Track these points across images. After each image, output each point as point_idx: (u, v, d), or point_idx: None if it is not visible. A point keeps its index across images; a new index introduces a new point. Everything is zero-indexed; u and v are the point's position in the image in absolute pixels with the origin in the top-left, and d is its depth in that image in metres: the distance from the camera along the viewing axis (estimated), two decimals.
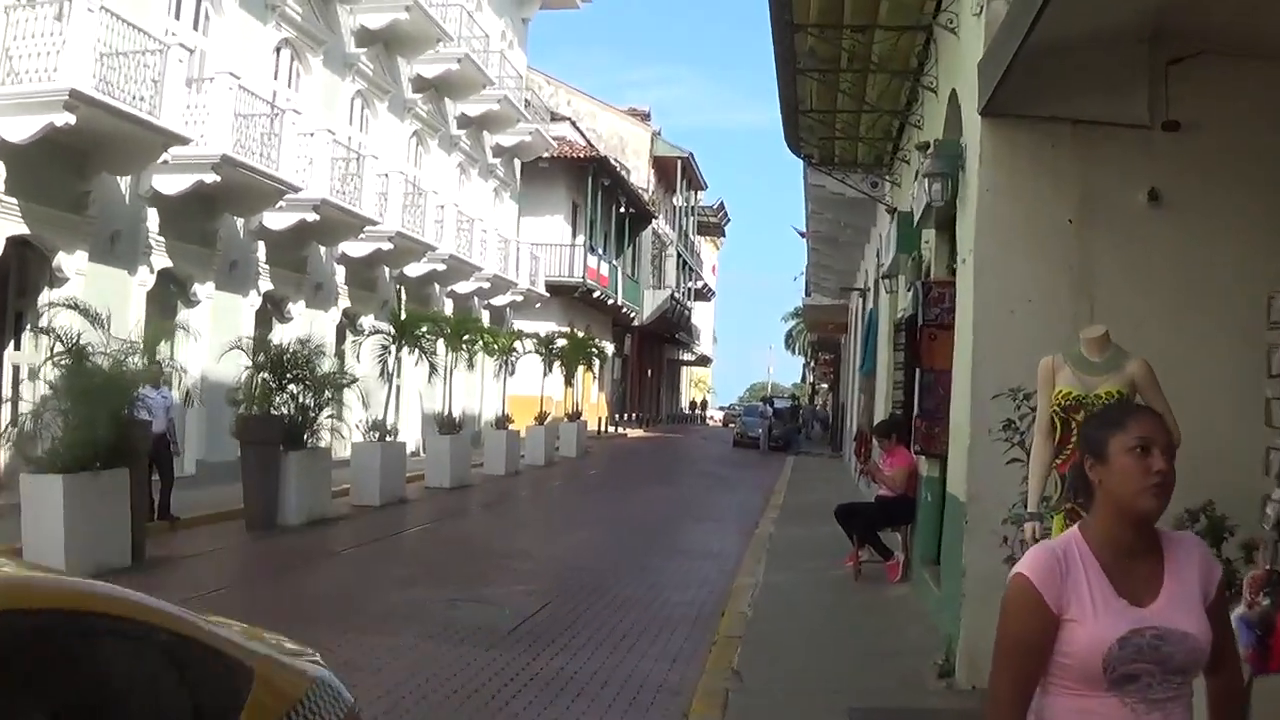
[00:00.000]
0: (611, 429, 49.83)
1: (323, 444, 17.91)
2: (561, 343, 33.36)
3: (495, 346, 28.17)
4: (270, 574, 13.17)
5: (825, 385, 62.68)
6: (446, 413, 24.71)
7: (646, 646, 9.79)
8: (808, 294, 39.70)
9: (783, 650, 9.19)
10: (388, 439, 20.71)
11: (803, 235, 37.90)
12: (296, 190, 21.55)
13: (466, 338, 25.54)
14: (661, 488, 25.84)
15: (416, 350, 22.45)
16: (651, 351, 66.43)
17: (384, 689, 7.89)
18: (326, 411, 18.01)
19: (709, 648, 9.45)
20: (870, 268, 22.65)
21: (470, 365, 27.37)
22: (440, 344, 24.53)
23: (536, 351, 31.82)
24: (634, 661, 9.22)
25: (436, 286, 32.65)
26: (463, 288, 33.74)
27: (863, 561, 12.27)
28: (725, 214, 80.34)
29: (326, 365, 19.31)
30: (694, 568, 14.33)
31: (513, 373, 29.56)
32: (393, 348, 21.56)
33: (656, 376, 70.02)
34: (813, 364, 67.49)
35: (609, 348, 51.97)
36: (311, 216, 22.56)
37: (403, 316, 22.51)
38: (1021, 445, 6.78)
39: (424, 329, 22.38)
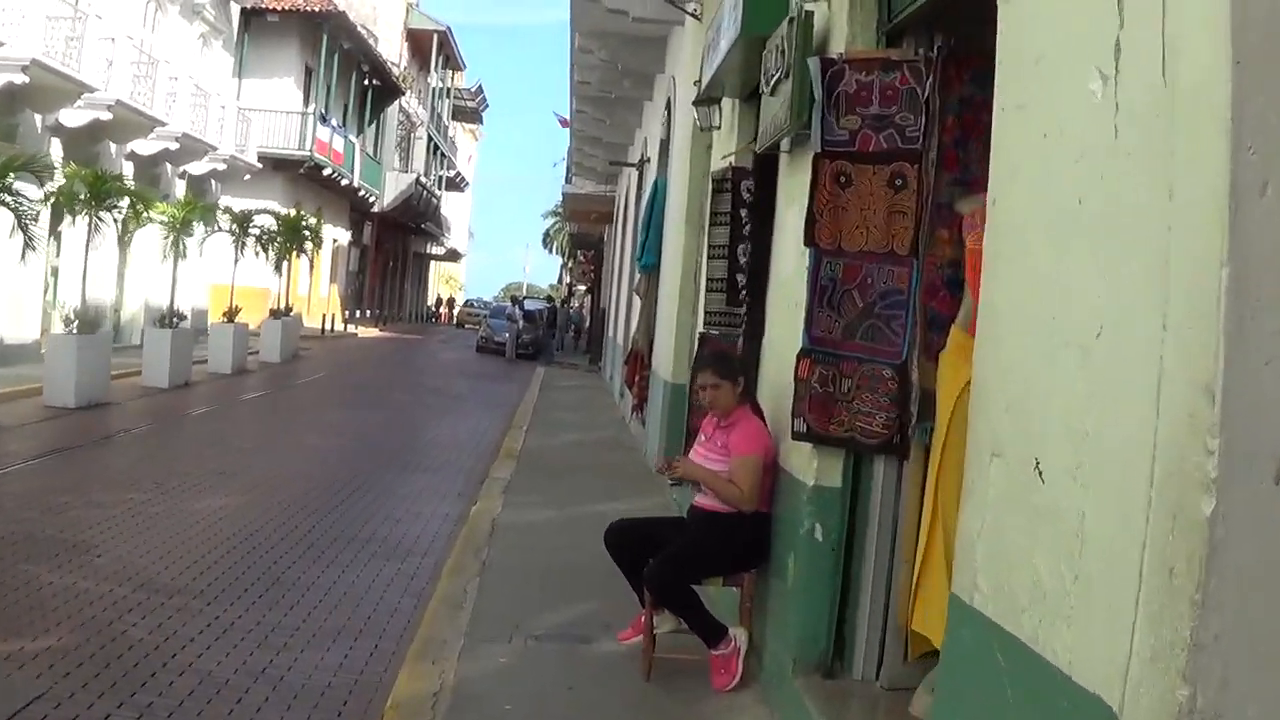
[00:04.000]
0: (342, 328, 42.65)
1: None
2: (264, 222, 26.16)
3: (157, 218, 20.82)
4: None
5: (583, 287, 56.77)
6: (81, 305, 17.65)
7: None
8: (569, 180, 33.59)
9: None
10: None
11: (564, 123, 32.36)
12: None
13: (110, 202, 18.27)
14: (370, 412, 19.20)
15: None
16: (395, 242, 58.79)
17: None
18: None
19: None
20: (652, 132, 16.54)
21: (123, 240, 20.06)
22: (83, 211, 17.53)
23: (229, 231, 24.62)
24: None
25: (112, 146, 25.20)
26: (145, 148, 26.21)
27: (660, 634, 5.98)
28: (484, 99, 72.65)
29: None
30: (359, 591, 7.98)
31: (185, 255, 22.12)
32: None
33: (400, 270, 62.47)
34: (570, 263, 61.46)
35: (342, 234, 44.87)
36: None
37: None
38: None
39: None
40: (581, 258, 51.17)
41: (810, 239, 4.93)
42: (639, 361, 14.54)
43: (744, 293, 7.61)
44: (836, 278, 4.88)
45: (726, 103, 8.56)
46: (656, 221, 13.81)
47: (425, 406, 20.79)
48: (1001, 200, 3.05)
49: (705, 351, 6.73)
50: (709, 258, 8.38)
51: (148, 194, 20.98)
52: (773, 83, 5.63)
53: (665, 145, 14.31)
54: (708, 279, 8.40)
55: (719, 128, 8.83)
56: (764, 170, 7.14)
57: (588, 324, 46.17)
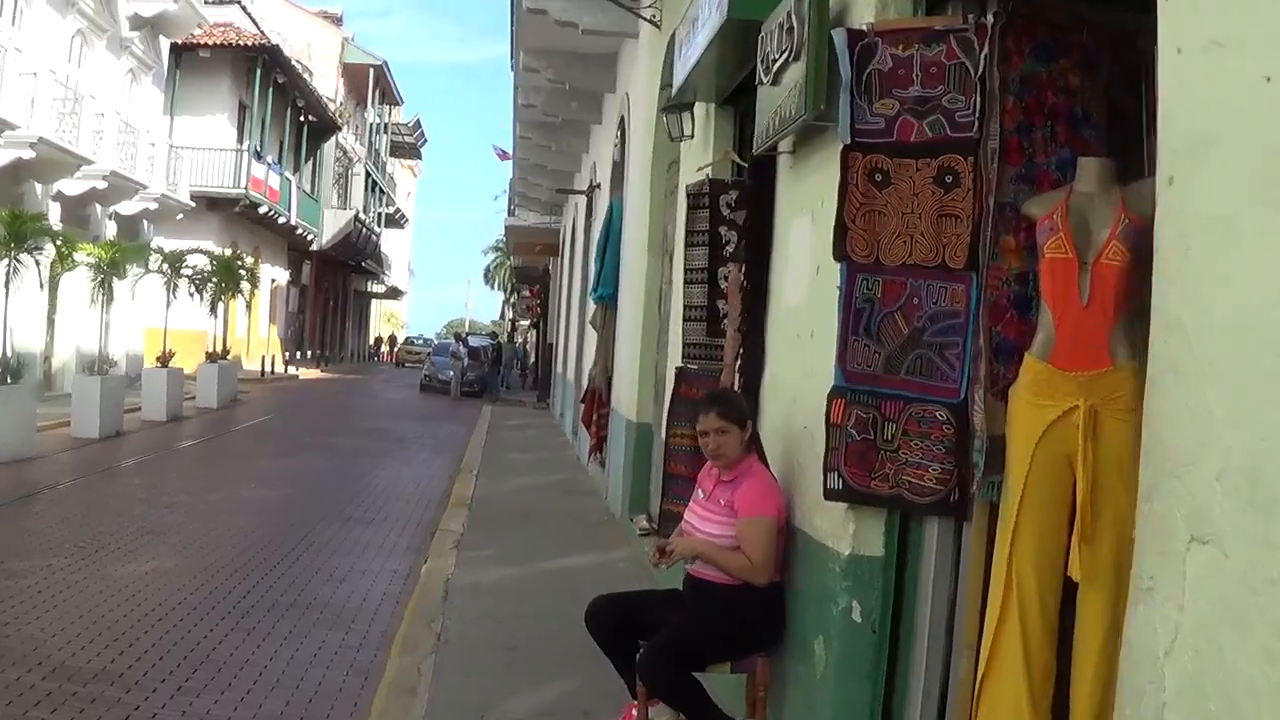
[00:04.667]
0: (282, 369, 41.28)
1: None
2: (197, 262, 24.96)
3: (83, 259, 19.58)
4: None
5: (527, 322, 55.70)
6: (2, 353, 16.42)
7: None
8: (511, 213, 32.67)
9: None
10: None
11: (504, 156, 31.60)
12: None
13: (31, 244, 17.06)
14: (311, 458, 18.01)
15: None
16: (335, 280, 57.37)
17: None
18: None
19: None
20: (603, 156, 15.66)
21: (50, 284, 18.89)
22: None
23: (159, 271, 23.41)
24: None
25: (37, 186, 23.95)
26: (72, 188, 24.97)
27: None
28: (422, 133, 71.46)
29: None
30: (298, 669, 6.85)
31: (113, 298, 20.83)
32: None
33: (341, 309, 60.98)
34: (513, 298, 60.37)
35: (280, 274, 43.66)
36: None
37: None
38: None
39: None
40: (526, 292, 50.17)
41: (841, 251, 4.01)
42: (596, 399, 13.59)
43: (726, 320, 6.71)
44: (875, 298, 3.95)
45: (700, 109, 7.67)
46: (613, 248, 12.91)
47: (369, 451, 19.63)
48: (1185, 178, 2.15)
49: (711, 396, 5.67)
50: (685, 283, 7.45)
51: (72, 235, 19.74)
52: (775, 69, 4.72)
53: (619, 168, 13.42)
54: (685, 306, 7.47)
55: (691, 137, 7.92)
56: (753, 178, 6.26)
57: (533, 360, 45.12)
